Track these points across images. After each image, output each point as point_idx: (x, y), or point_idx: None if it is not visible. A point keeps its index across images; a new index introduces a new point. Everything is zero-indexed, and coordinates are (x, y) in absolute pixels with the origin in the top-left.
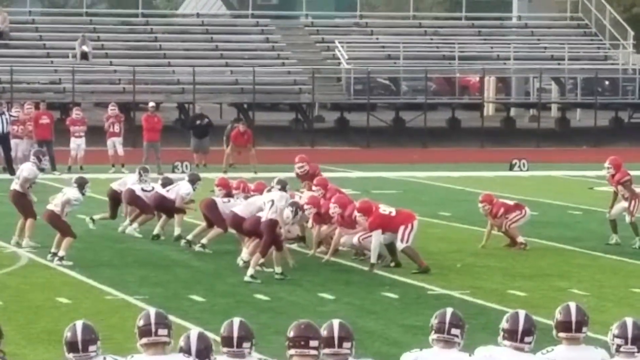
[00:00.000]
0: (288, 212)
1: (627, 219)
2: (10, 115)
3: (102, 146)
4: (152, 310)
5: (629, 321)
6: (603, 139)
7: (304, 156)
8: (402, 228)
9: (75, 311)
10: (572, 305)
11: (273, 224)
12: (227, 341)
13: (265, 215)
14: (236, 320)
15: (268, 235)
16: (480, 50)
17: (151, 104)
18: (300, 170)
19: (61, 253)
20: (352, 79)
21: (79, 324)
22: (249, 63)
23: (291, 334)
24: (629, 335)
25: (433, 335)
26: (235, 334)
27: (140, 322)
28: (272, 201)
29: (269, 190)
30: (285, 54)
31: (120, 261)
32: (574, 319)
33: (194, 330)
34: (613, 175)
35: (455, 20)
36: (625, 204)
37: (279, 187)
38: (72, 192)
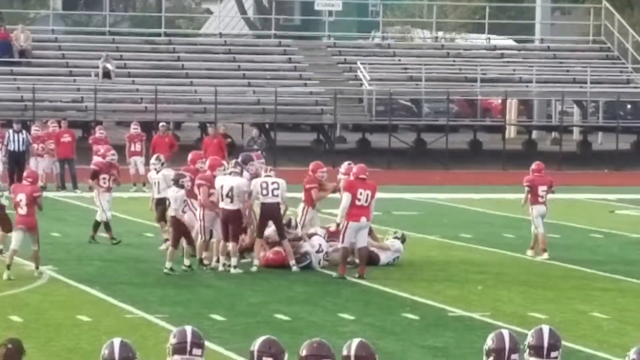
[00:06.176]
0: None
1: None
2: (31, 133)
3: (122, 165)
4: (189, 329)
5: None
6: (625, 162)
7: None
8: None
9: (95, 329)
10: (545, 329)
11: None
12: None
13: None
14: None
15: None
16: (502, 73)
17: (161, 124)
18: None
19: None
20: (374, 100)
21: (116, 341)
22: (271, 83)
23: (304, 352)
24: None
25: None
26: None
27: (174, 340)
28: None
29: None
30: (307, 75)
31: (141, 280)
32: (545, 343)
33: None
34: None
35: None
36: None
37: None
38: (171, 192)
